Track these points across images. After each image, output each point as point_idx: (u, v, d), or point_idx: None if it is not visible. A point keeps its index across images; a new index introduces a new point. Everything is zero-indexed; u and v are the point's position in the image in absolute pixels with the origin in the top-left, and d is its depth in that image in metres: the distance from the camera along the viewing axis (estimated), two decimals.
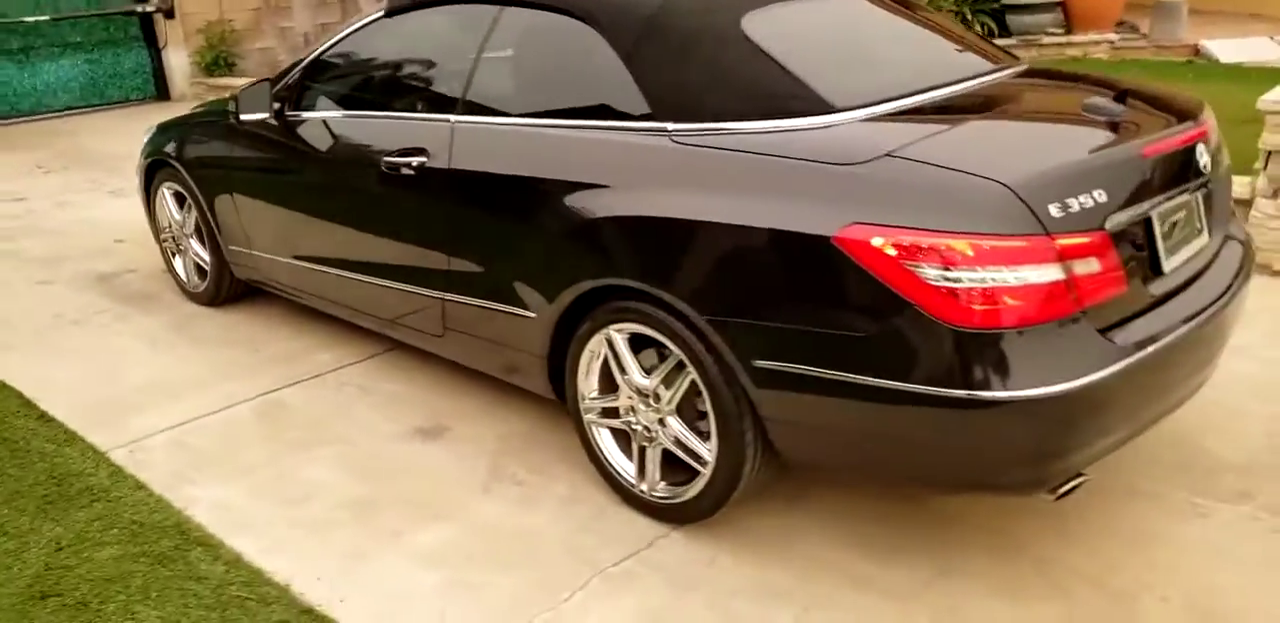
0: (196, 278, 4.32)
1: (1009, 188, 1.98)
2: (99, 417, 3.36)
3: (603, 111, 2.52)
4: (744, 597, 2.35)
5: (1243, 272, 2.57)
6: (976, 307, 1.94)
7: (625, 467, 2.67)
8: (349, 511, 2.77)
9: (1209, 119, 2.55)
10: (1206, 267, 2.49)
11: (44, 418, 3.36)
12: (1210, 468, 2.80)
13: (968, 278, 1.94)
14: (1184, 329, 2.23)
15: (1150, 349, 2.12)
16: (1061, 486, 2.14)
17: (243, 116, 3.39)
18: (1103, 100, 2.35)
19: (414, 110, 3.06)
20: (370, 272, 3.26)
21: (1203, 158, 2.41)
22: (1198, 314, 2.29)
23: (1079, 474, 2.17)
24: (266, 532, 2.67)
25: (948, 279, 1.94)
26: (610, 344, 2.54)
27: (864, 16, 2.92)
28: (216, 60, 10.29)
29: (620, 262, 2.42)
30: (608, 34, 2.54)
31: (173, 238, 4.39)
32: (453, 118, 2.87)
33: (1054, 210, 2.00)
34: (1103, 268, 2.08)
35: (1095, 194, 2.08)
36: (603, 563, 2.49)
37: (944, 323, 1.95)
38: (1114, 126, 2.30)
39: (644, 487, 2.62)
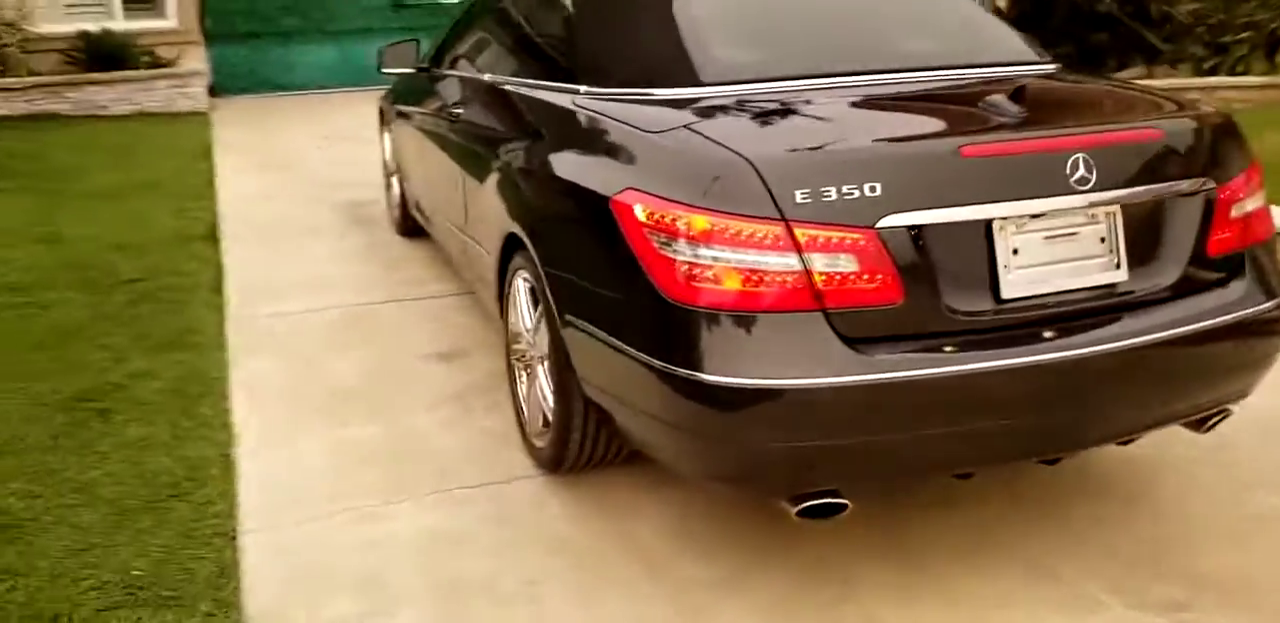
0: (397, 211, 5.11)
1: (753, 166, 1.88)
2: (248, 295, 4.20)
3: (549, 73, 2.69)
4: (528, 548, 2.42)
5: (1213, 333, 2.10)
6: (699, 284, 1.88)
7: (523, 407, 2.84)
8: (335, 398, 3.25)
9: (1160, 131, 2.15)
10: (1115, 307, 2.10)
11: (216, 289, 4.28)
12: (1161, 562, 2.29)
13: (695, 253, 1.88)
14: (1014, 366, 1.92)
15: (922, 374, 1.88)
16: (803, 500, 1.96)
17: (384, 69, 3.99)
18: (1000, 98, 2.06)
19: (461, 69, 3.45)
20: (441, 209, 3.73)
21: (1081, 171, 2.02)
22: (1058, 359, 1.96)
23: (830, 494, 1.97)
24: (267, 397, 3.24)
25: (677, 252, 1.90)
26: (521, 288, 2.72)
27: None
28: None
29: (514, 210, 2.59)
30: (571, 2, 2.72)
31: (387, 173, 5.22)
32: (466, 75, 3.24)
33: (799, 196, 1.87)
34: (862, 269, 1.89)
35: (866, 188, 1.89)
36: (454, 484, 2.71)
37: (668, 296, 1.91)
38: (980, 124, 2.11)
39: (528, 428, 2.77)
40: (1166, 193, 2.14)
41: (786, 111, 2.24)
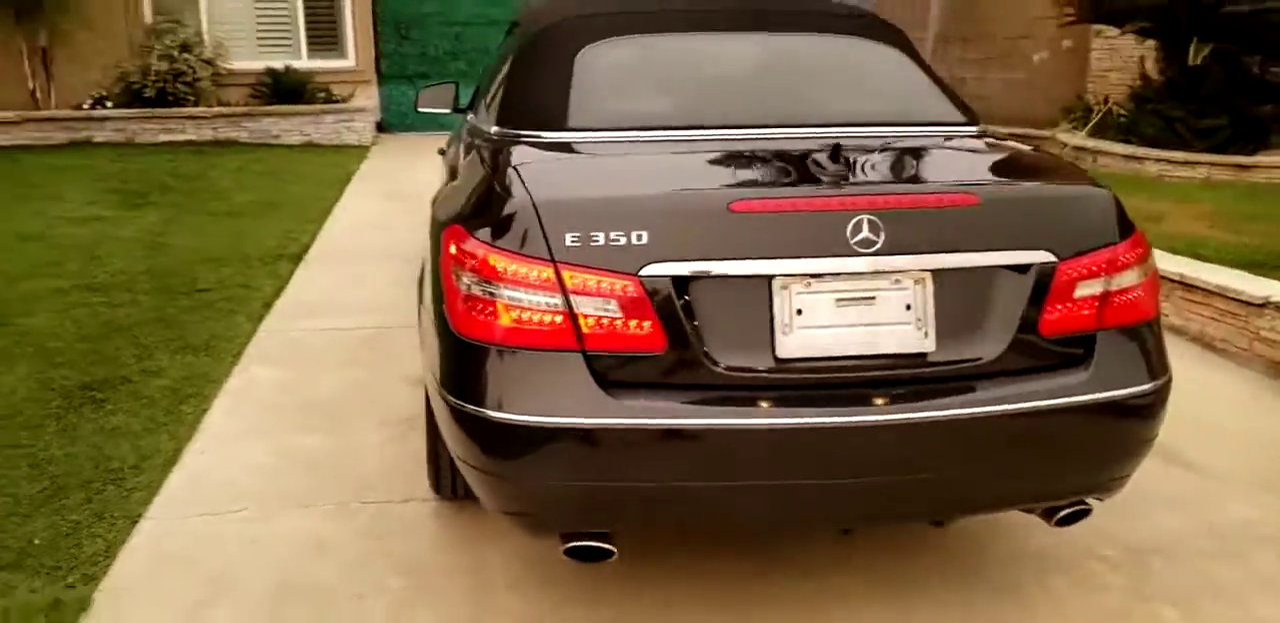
0: None
1: (535, 208, 1.92)
2: (292, 311, 4.56)
3: (487, 117, 2.82)
4: (379, 564, 2.49)
5: (1037, 417, 1.96)
6: (476, 317, 1.93)
7: None
8: (305, 408, 3.47)
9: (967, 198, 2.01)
10: (920, 379, 1.97)
11: (268, 304, 4.67)
12: None
13: (476, 288, 1.94)
14: (780, 427, 1.86)
15: (669, 423, 1.86)
16: (570, 540, 1.96)
17: (420, 108, 4.26)
18: (824, 155, 1.99)
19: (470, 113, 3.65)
20: None
21: (865, 233, 1.91)
22: (836, 424, 1.87)
23: (598, 537, 1.95)
24: (247, 402, 3.51)
25: (463, 285, 1.96)
26: None
27: (750, 52, 2.78)
28: None
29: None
30: (513, 47, 2.85)
31: None
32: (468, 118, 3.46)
33: (569, 239, 1.89)
34: (624, 315, 1.88)
35: (633, 235, 1.87)
36: (355, 498, 2.84)
37: (454, 329, 1.98)
38: (781, 181, 2.11)
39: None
40: (984, 264, 2.00)
41: (616, 158, 2.29)
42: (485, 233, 1.96)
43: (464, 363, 1.96)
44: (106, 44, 9.57)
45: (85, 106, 9.51)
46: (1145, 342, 2.11)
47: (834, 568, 2.46)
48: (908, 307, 1.96)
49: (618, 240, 1.88)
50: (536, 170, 2.12)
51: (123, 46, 9.63)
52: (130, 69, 9.47)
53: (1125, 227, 2.11)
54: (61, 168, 8.07)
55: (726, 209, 1.92)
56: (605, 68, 2.57)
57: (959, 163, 2.40)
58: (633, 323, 1.88)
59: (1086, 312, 2.03)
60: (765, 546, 2.55)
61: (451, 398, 1.96)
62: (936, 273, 1.96)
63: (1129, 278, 2.08)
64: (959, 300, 1.99)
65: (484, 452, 1.95)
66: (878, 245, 1.92)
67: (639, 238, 1.88)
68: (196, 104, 9.65)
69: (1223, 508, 2.81)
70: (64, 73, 9.63)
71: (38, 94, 9.60)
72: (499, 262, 1.91)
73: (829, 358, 1.95)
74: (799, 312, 1.93)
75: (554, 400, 1.88)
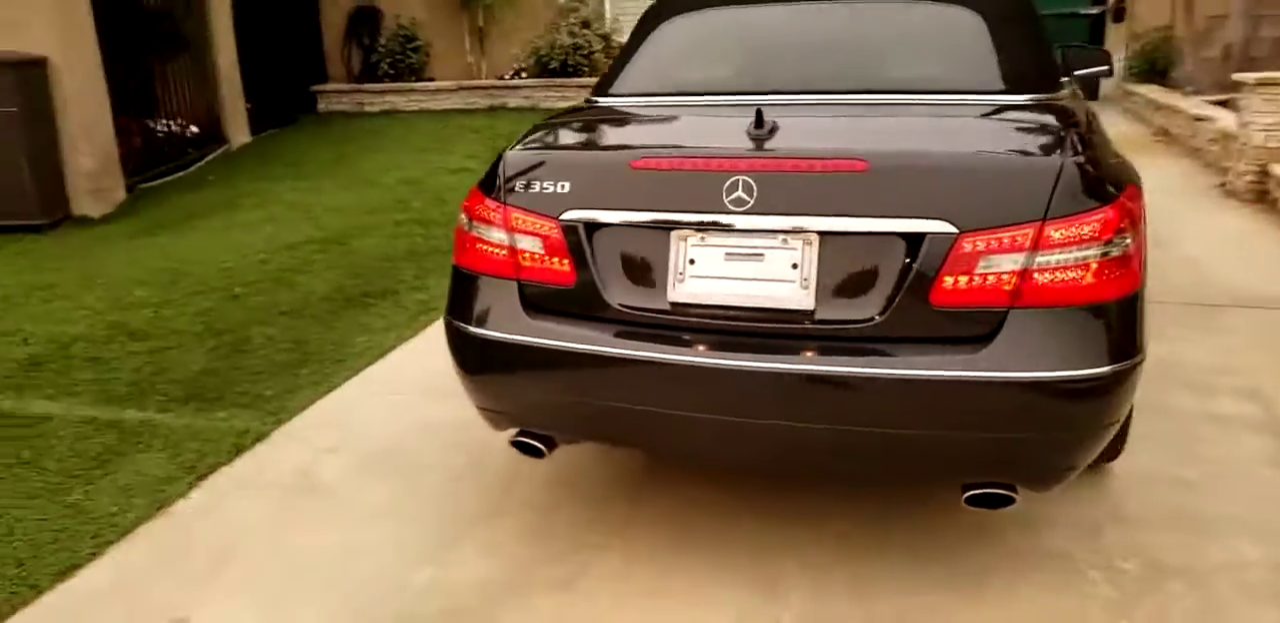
0: None
1: (501, 160, 2.34)
2: None
3: None
4: (466, 440, 3.05)
5: (911, 387, 1.96)
6: (462, 248, 2.39)
7: None
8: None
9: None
10: (798, 335, 2.06)
11: None
12: None
13: (465, 224, 2.38)
14: (656, 360, 2.08)
15: (568, 346, 2.16)
16: (516, 435, 2.38)
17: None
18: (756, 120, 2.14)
19: None
20: None
21: (739, 193, 2.01)
22: (706, 364, 2.05)
23: (539, 438, 2.35)
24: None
25: (461, 222, 2.41)
26: None
27: (812, 22, 2.79)
28: (1149, 65, 10.39)
29: None
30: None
31: None
32: None
33: (517, 186, 2.26)
34: (546, 252, 2.21)
35: (559, 185, 2.18)
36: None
37: (455, 262, 2.46)
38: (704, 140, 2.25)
39: None
40: (872, 230, 2.00)
41: (600, 119, 2.57)
42: (481, 182, 2.45)
43: (454, 286, 2.45)
44: (527, 23, 11.23)
45: (506, 77, 11.31)
46: (1085, 326, 1.96)
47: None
48: (794, 265, 2.06)
49: (547, 189, 2.24)
50: (536, 131, 2.53)
51: (539, 24, 11.23)
52: (541, 44, 11.04)
53: (1071, 204, 1.96)
54: (472, 128, 9.75)
55: (628, 166, 2.20)
56: (667, 39, 2.86)
57: (918, 131, 2.30)
58: (552, 259, 2.23)
59: (994, 288, 1.95)
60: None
61: (446, 315, 2.49)
62: (825, 235, 2.04)
63: (1062, 258, 1.95)
64: (847, 263, 2.04)
65: (456, 357, 2.43)
66: (749, 205, 2.06)
67: (562, 187, 2.22)
68: (590, 74, 10.98)
69: None
70: (494, 49, 11.48)
71: (473, 67, 11.59)
72: (476, 204, 2.37)
73: (716, 306, 2.13)
74: (692, 262, 2.13)
75: (495, 318, 2.30)
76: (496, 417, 2.45)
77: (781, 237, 2.07)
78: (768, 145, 2.14)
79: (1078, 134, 2.13)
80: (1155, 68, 10.34)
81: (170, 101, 7.75)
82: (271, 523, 2.67)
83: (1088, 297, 1.96)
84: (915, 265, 1.99)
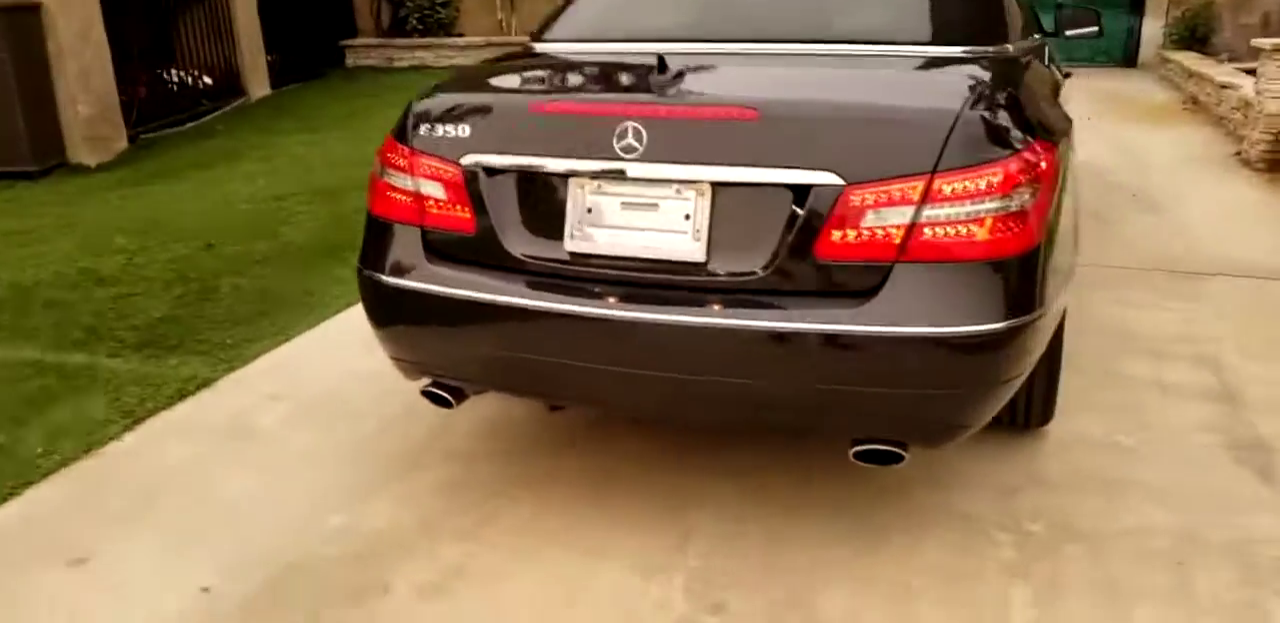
0: None
1: (410, 106, 2.29)
2: None
3: None
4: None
5: (793, 339, 1.90)
6: (374, 194, 2.33)
7: None
8: None
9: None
10: (691, 286, 2.00)
11: None
12: None
13: (380, 172, 2.33)
14: (553, 311, 2.04)
15: (470, 296, 2.12)
16: (427, 386, 2.35)
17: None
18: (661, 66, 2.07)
19: None
20: None
21: (628, 140, 1.94)
22: (602, 315, 2.00)
23: (448, 388, 2.31)
24: None
25: (375, 169, 2.36)
26: None
27: None
28: (1189, 32, 10.00)
29: None
30: None
31: None
32: None
33: (422, 130, 2.21)
34: (447, 199, 2.16)
35: (459, 129, 2.13)
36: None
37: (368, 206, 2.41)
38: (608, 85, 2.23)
39: None
40: (761, 180, 1.92)
41: (533, 66, 2.52)
42: (394, 127, 2.38)
43: (366, 233, 2.39)
44: None
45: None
46: (973, 282, 1.88)
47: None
48: (686, 216, 1.99)
49: (449, 133, 2.17)
50: (453, 76, 2.47)
51: None
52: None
53: (964, 156, 1.87)
54: None
55: (526, 109, 2.14)
56: None
57: (823, 81, 2.23)
58: (454, 206, 2.17)
59: (880, 241, 1.88)
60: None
61: (358, 263, 2.43)
62: (718, 185, 1.96)
63: (952, 212, 1.86)
64: (738, 215, 1.97)
65: (365, 305, 2.39)
66: (639, 152, 1.99)
67: (463, 131, 2.16)
68: None
69: None
70: (524, 6, 11.34)
71: (503, 23, 11.46)
72: (389, 150, 2.30)
73: (613, 257, 2.07)
74: (589, 211, 2.07)
75: (400, 266, 2.25)
76: (406, 366, 2.41)
77: (675, 186, 2.01)
78: (665, 92, 2.07)
79: (993, 86, 2.04)
80: (1195, 35, 9.98)
81: (184, 53, 7.76)
82: (197, 467, 2.68)
83: (978, 252, 1.89)
84: (801, 217, 1.92)
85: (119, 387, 3.13)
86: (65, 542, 2.34)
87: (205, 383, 3.19)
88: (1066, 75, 4.83)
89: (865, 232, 1.89)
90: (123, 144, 6.44)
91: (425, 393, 2.39)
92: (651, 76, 2.08)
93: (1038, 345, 2.04)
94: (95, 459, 2.72)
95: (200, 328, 3.62)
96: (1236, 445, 2.63)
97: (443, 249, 2.23)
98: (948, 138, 1.88)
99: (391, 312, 2.33)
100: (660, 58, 2.07)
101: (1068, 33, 4.08)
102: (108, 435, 2.84)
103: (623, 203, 2.05)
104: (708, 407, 2.10)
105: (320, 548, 2.28)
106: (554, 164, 2.09)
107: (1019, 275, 1.92)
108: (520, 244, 2.15)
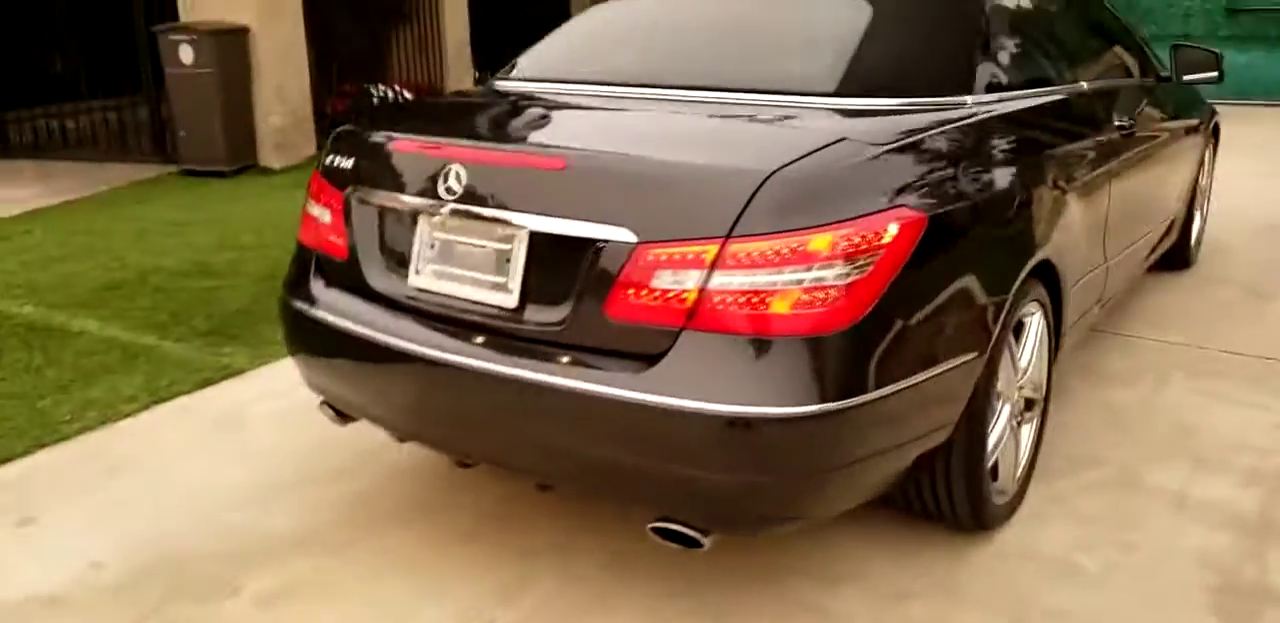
0: None
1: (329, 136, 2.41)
2: None
3: None
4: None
5: (581, 402, 1.82)
6: (301, 223, 2.46)
7: None
8: None
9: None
10: (503, 332, 1.96)
11: None
12: None
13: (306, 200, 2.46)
14: (382, 344, 2.07)
15: (332, 322, 2.20)
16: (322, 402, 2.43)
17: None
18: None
19: None
20: None
21: (450, 182, 1.93)
22: (419, 353, 2.01)
23: (335, 409, 2.40)
24: None
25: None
26: None
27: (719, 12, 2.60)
28: None
29: None
30: None
31: None
32: None
33: (328, 159, 2.32)
34: (331, 226, 2.25)
35: (349, 160, 2.23)
36: None
37: None
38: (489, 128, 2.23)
39: None
40: (567, 231, 1.85)
41: (453, 104, 2.62)
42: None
43: (292, 261, 2.52)
44: None
45: None
46: (769, 358, 1.71)
47: None
48: (507, 260, 1.96)
49: (342, 164, 2.28)
50: (380, 108, 2.56)
51: None
52: None
53: (769, 221, 1.71)
54: None
55: (393, 146, 2.19)
56: (577, 26, 2.82)
57: (659, 131, 2.13)
58: (335, 235, 2.28)
59: (669, 305, 1.75)
60: None
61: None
62: (534, 233, 1.91)
63: (748, 280, 1.71)
64: (549, 264, 1.91)
65: (283, 332, 2.51)
66: (458, 195, 1.99)
67: (350, 163, 2.26)
68: None
69: None
70: None
71: None
72: (312, 178, 2.44)
73: (444, 294, 2.07)
74: (432, 247, 2.09)
75: (297, 289, 2.37)
76: (312, 389, 2.53)
77: (496, 231, 1.99)
78: (489, 136, 2.12)
79: (853, 145, 1.87)
80: None
81: (390, 69, 8.50)
82: (174, 449, 2.96)
83: (776, 327, 1.73)
84: (595, 273, 1.84)
85: (161, 369, 3.50)
86: (29, 502, 2.66)
87: (235, 373, 3.50)
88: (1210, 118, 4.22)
89: (655, 293, 1.78)
90: (310, 150, 7.15)
91: (321, 407, 2.49)
92: (480, 119, 2.11)
93: (863, 436, 1.82)
94: (103, 431, 3.07)
95: (264, 322, 3.96)
96: (1228, 590, 2.18)
97: (329, 276, 2.35)
98: (750, 200, 1.73)
99: (290, 331, 2.46)
100: (515, 102, 2.08)
101: (1185, 77, 3.57)
102: (124, 412, 3.19)
103: (459, 243, 2.06)
104: (523, 459, 2.06)
105: (207, 542, 2.45)
106: (402, 200, 2.15)
107: (831, 356, 1.73)
108: (378, 275, 2.21)
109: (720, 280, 1.73)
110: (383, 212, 2.20)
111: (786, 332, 1.71)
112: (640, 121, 2.23)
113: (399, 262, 2.17)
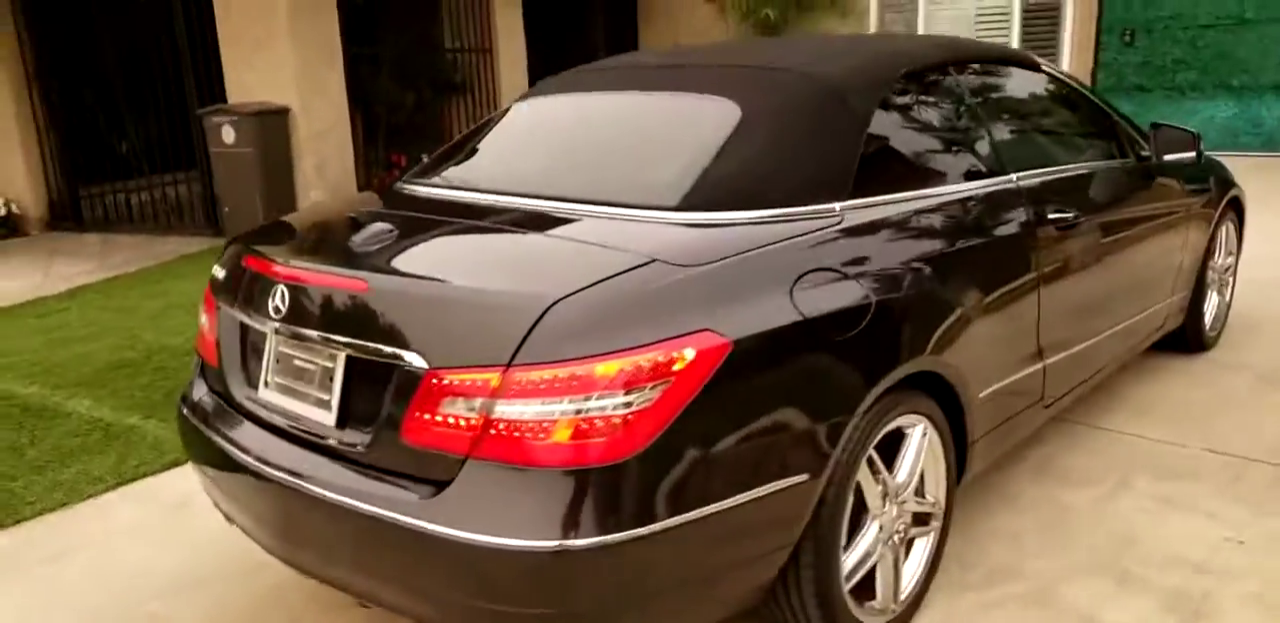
0: None
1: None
2: None
3: None
4: None
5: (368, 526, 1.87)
6: None
7: None
8: None
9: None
10: (324, 450, 2.04)
11: None
12: None
13: None
14: (236, 456, 2.16)
15: (198, 427, 2.33)
16: None
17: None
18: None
19: None
20: None
21: (276, 301, 2.06)
22: (251, 467, 2.11)
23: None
24: None
25: None
26: None
27: (599, 114, 2.69)
28: None
29: None
30: None
31: None
32: None
33: (215, 268, 2.49)
34: (209, 331, 2.41)
35: (221, 271, 2.41)
36: None
37: None
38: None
39: None
40: (372, 352, 1.92)
41: (325, 213, 2.75)
42: None
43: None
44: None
45: None
46: (544, 489, 1.73)
47: None
48: (330, 379, 2.04)
49: (218, 274, 2.45)
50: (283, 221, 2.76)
51: None
52: None
53: (550, 349, 1.74)
54: None
55: (243, 262, 2.31)
56: (480, 130, 2.92)
57: (473, 251, 2.21)
58: (205, 342, 2.45)
59: (456, 432, 1.80)
60: None
61: None
62: (351, 355, 1.99)
63: (527, 410, 1.74)
64: (360, 385, 1.98)
65: None
66: (283, 314, 2.10)
67: (223, 274, 2.42)
68: None
69: None
70: None
71: None
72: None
73: (283, 409, 2.17)
74: (276, 361, 2.20)
75: (185, 397, 2.51)
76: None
77: (321, 349, 2.07)
78: (316, 254, 2.24)
79: (654, 270, 1.89)
80: None
81: (446, 139, 8.88)
82: (124, 534, 3.12)
83: (553, 457, 1.74)
84: (395, 395, 1.90)
85: (134, 450, 3.71)
86: None
87: None
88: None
89: (442, 419, 1.82)
90: None
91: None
92: (327, 234, 2.24)
93: (656, 566, 1.81)
94: (61, 513, 3.27)
95: None
96: None
97: (207, 382, 2.49)
98: (532, 328, 1.76)
99: (180, 432, 2.59)
100: (353, 219, 2.19)
101: (1165, 158, 3.46)
102: (91, 493, 3.39)
103: (294, 359, 2.16)
104: (340, 578, 2.07)
105: None
106: (250, 315, 2.25)
107: (608, 487, 1.74)
108: (237, 386, 2.33)
109: (502, 409, 1.76)
110: (243, 324, 2.32)
111: (563, 462, 1.73)
112: (460, 241, 2.28)
113: (252, 374, 2.29)
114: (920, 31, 11.14)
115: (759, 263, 2.03)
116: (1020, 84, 3.22)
